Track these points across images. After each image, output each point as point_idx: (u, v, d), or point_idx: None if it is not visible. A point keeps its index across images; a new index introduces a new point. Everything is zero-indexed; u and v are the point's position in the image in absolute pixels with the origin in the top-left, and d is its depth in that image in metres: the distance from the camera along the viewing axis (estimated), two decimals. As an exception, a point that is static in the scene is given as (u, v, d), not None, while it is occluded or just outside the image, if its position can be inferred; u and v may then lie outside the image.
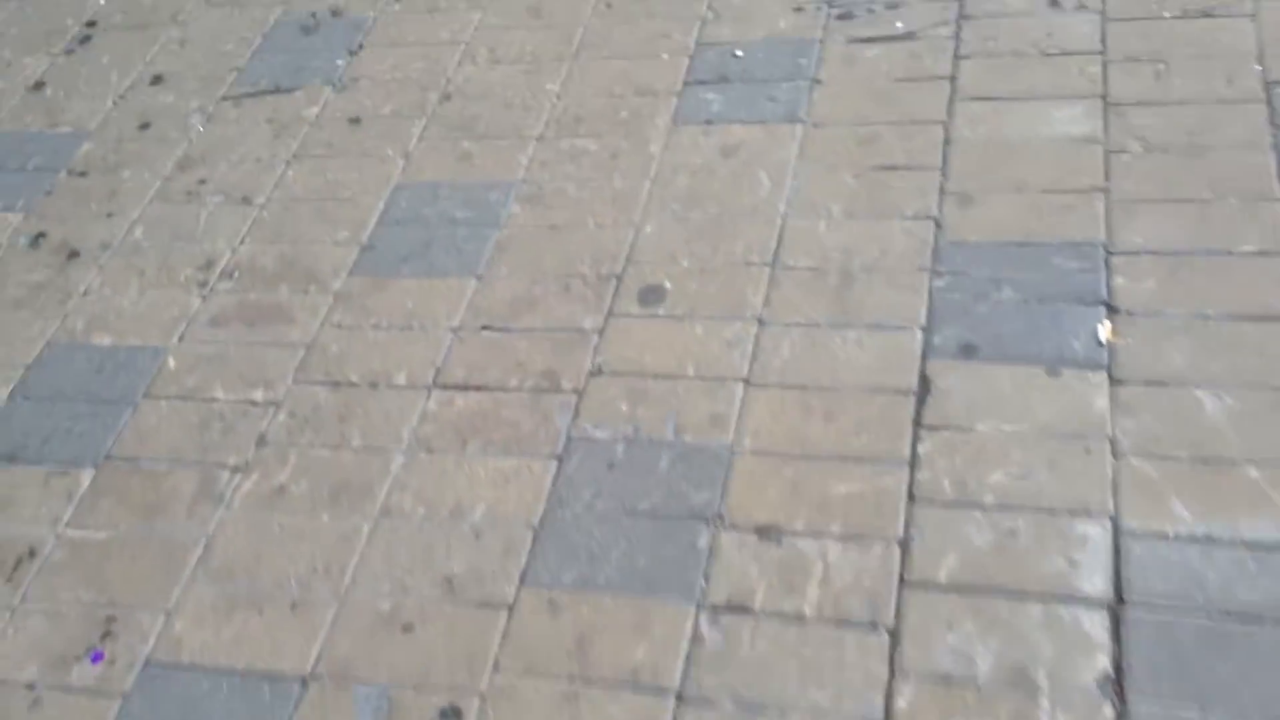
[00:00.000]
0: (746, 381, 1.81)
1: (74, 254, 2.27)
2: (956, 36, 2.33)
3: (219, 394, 1.96)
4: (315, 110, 2.49)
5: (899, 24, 2.39)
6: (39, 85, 2.70)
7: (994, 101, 2.18)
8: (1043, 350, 1.76)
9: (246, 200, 2.31)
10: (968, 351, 1.78)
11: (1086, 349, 1.74)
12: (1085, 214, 1.94)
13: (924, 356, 1.78)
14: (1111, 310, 1.79)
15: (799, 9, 2.48)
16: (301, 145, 2.42)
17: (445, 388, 1.90)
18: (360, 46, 2.63)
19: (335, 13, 2.74)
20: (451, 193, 2.24)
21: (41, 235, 2.32)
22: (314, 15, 2.75)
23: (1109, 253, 1.87)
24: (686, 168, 2.19)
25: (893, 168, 2.10)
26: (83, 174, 2.44)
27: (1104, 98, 2.13)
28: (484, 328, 1.98)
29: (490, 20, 2.63)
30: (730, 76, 2.36)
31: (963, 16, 2.37)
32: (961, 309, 1.84)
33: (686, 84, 2.37)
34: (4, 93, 2.70)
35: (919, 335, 1.82)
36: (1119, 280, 1.83)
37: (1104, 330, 1.76)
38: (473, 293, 2.04)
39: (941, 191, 2.03)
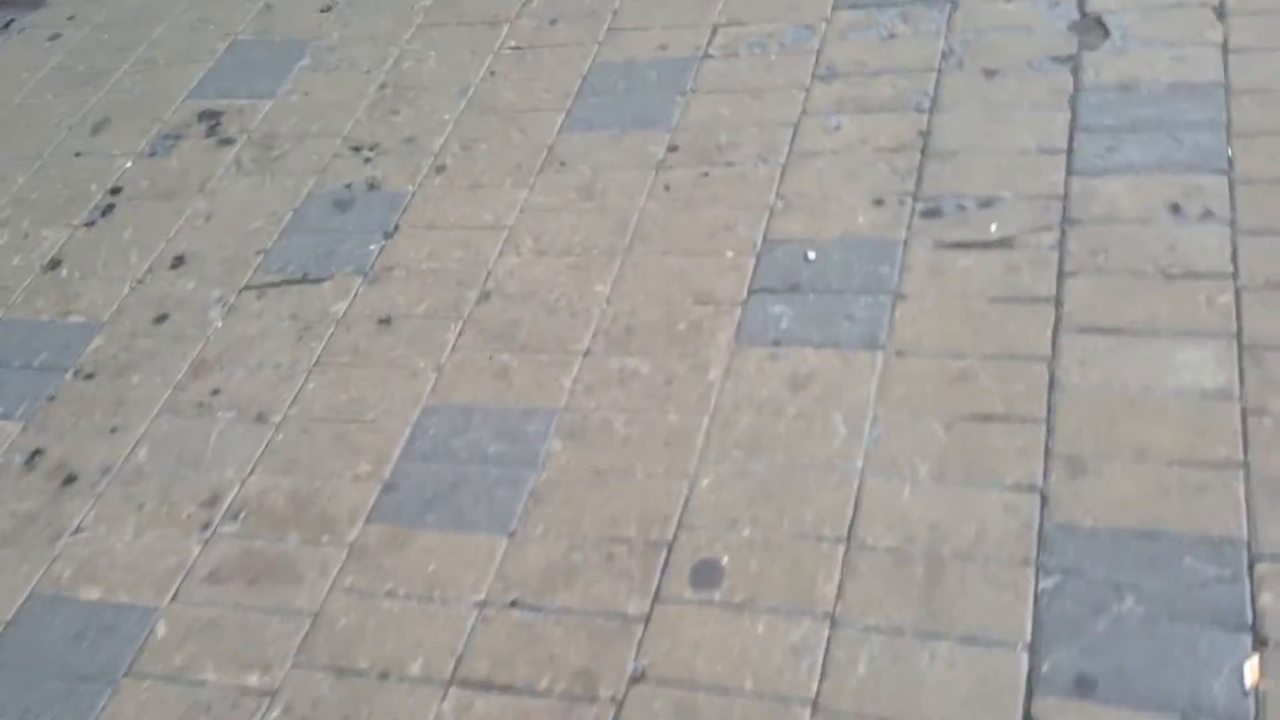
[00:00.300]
0: (814, 706, 1.53)
1: (71, 478, 2.05)
2: (1061, 246, 2.04)
3: (209, 675, 1.72)
4: (343, 306, 2.27)
5: (993, 226, 2.11)
6: (55, 263, 2.51)
7: (1106, 335, 1.88)
8: (1175, 692, 1.45)
9: (261, 418, 2.09)
10: (1084, 687, 1.48)
11: (1229, 695, 1.44)
12: (1221, 497, 1.64)
13: (1030, 689, 1.49)
14: (1259, 640, 1.49)
15: (879, 201, 2.21)
16: (326, 350, 2.19)
17: (465, 684, 1.65)
18: (396, 228, 2.41)
19: (372, 185, 2.52)
20: (485, 420, 2.00)
21: (39, 453, 2.11)
22: (349, 187, 2.53)
23: (1253, 557, 1.57)
24: (750, 403, 1.92)
25: (989, 417, 1.81)
26: (90, 376, 2.24)
27: (1238, 337, 1.83)
28: (513, 604, 1.73)
29: (537, 200, 2.40)
30: (801, 284, 2.09)
31: (1067, 221, 2.08)
32: (1075, 624, 1.54)
33: (752, 291, 2.10)
34: (19, 271, 2.51)
35: (1024, 658, 1.52)
36: (1266, 597, 1.52)
37: (1250, 670, 1.45)
38: (503, 556, 1.79)
39: (1047, 453, 1.75)
